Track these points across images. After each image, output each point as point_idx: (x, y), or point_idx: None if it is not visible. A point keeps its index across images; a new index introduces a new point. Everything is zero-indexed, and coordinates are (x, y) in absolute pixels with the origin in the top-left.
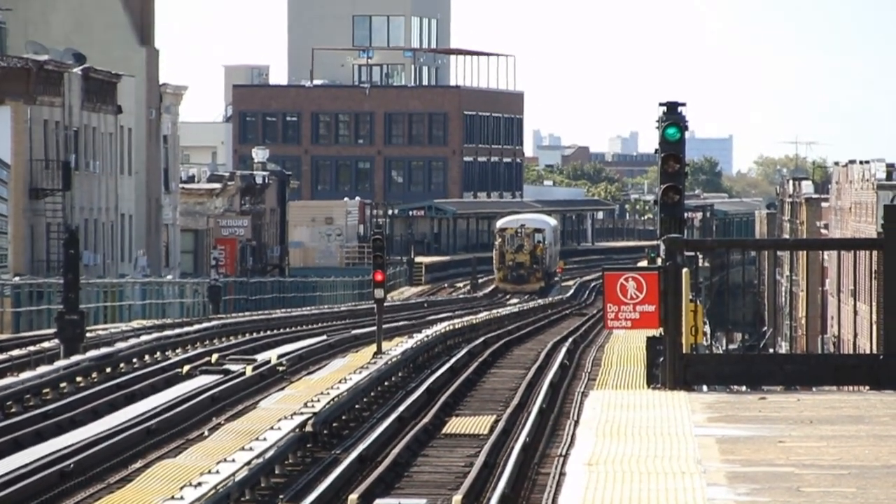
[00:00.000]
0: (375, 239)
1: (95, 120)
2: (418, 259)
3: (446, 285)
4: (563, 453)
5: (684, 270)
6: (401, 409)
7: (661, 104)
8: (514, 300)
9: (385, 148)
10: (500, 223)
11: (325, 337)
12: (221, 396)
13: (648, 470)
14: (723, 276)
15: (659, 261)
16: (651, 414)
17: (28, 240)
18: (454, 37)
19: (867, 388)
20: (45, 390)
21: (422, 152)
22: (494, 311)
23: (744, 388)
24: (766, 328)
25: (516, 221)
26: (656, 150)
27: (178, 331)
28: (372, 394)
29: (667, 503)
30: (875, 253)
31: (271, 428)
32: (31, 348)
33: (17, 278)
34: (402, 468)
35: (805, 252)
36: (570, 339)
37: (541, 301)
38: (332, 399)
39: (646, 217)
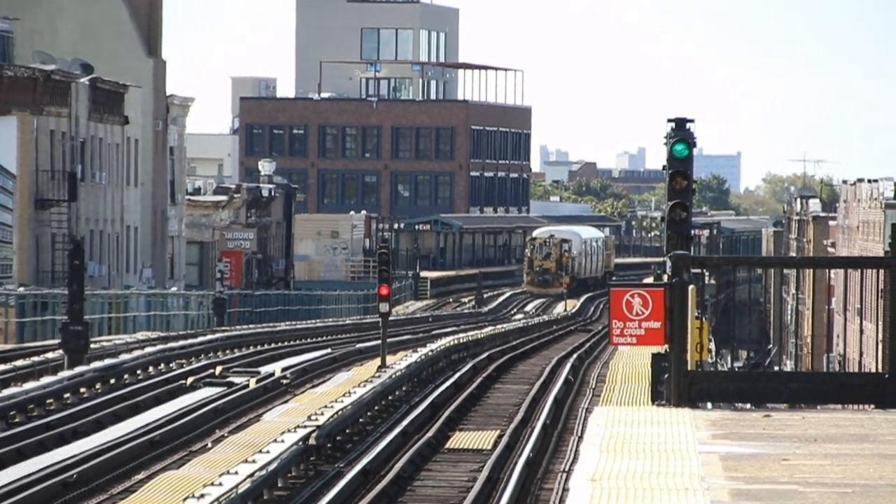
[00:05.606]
0: (381, 253)
1: (102, 131)
2: (424, 273)
3: (451, 300)
4: (567, 469)
5: (690, 287)
6: (405, 423)
7: (669, 120)
8: (519, 315)
9: (392, 162)
10: (534, 233)
11: (329, 350)
12: (225, 409)
13: (652, 486)
14: (729, 293)
15: (665, 277)
16: (655, 430)
17: (33, 250)
18: (462, 51)
19: (872, 406)
20: (48, 401)
21: (428, 167)
22: (499, 326)
23: (748, 405)
24: (771, 346)
25: (546, 232)
26: (664, 167)
27: (182, 343)
28: (376, 408)
29: None
30: (882, 272)
31: (274, 440)
32: (35, 359)
33: (21, 288)
34: (406, 482)
35: (812, 270)
36: (575, 355)
37: (545, 317)
38: (336, 412)
39: (652, 234)
